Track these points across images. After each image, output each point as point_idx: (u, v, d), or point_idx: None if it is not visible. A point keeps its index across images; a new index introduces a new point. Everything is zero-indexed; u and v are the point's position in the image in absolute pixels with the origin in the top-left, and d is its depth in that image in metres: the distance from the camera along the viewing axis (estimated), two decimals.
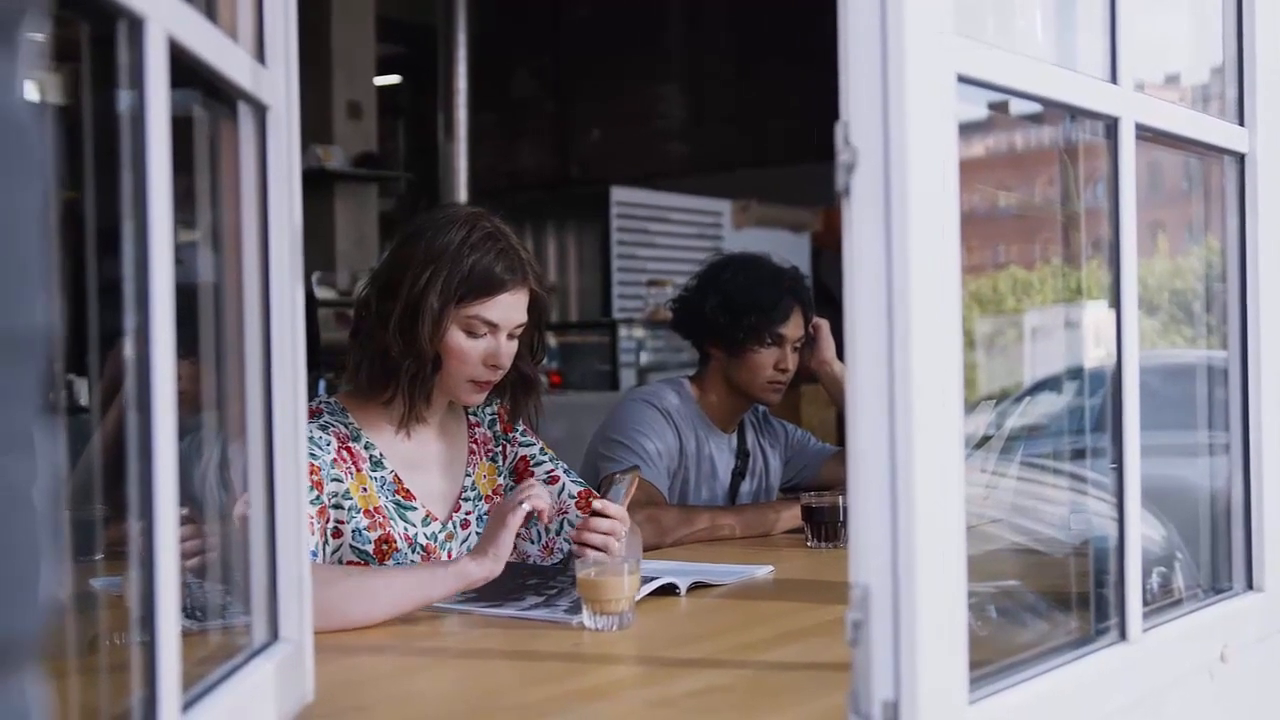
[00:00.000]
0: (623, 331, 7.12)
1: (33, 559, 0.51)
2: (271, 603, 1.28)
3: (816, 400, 5.92)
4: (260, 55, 1.26)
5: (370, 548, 2.02)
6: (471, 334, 2.05)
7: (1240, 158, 1.70)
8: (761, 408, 3.03)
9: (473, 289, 2.02)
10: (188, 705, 1.01)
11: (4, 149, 0.51)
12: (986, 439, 1.78)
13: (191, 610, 1.22)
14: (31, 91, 0.53)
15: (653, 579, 1.96)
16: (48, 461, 0.52)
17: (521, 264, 2.07)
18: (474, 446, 2.23)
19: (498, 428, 2.26)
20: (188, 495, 1.02)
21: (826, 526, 2.51)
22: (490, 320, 2.05)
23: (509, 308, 2.06)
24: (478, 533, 2.16)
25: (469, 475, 2.20)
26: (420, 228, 2.08)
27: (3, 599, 0.49)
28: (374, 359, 2.06)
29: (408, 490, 2.10)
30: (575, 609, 1.81)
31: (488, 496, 2.21)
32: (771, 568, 2.24)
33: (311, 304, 3.88)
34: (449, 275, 2.01)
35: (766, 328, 2.82)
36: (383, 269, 2.10)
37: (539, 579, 2.03)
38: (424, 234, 2.05)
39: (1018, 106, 1.46)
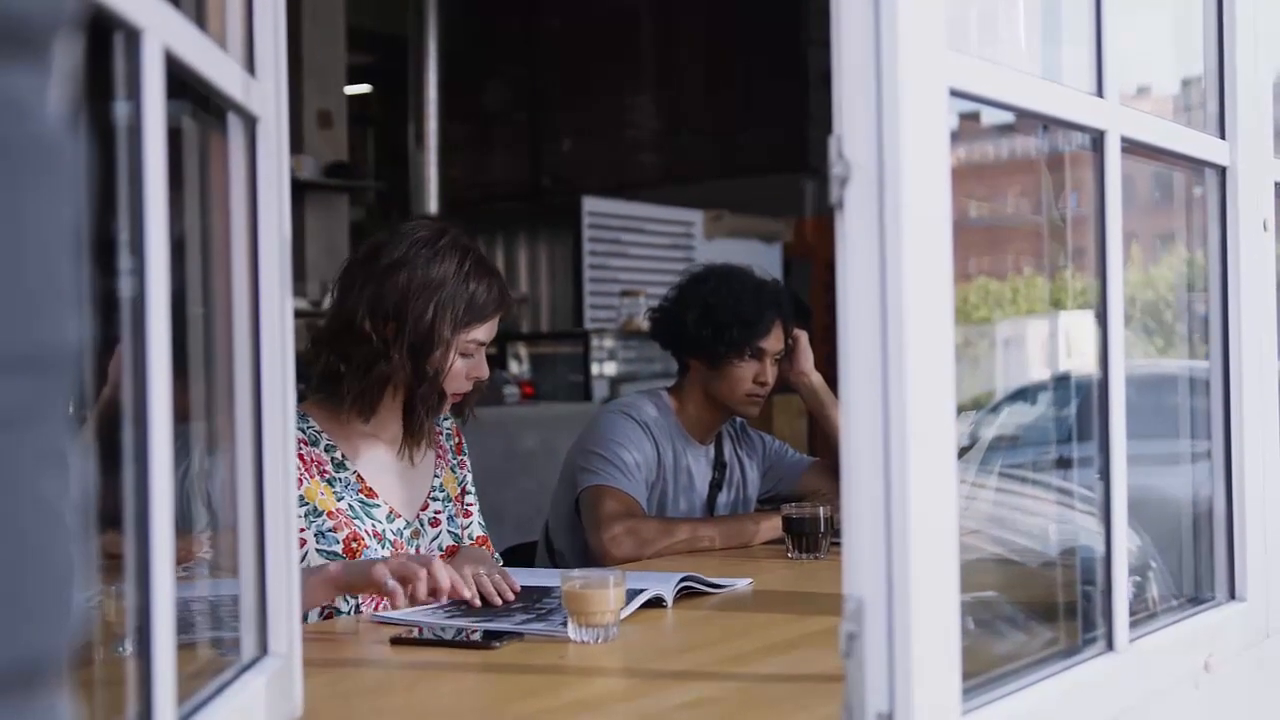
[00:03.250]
0: (595, 342, 7.09)
1: (66, 576, 0.50)
2: (261, 617, 1.27)
3: (789, 410, 5.93)
4: (250, 66, 1.25)
5: (339, 548, 2.08)
6: (465, 355, 2.16)
7: (1221, 170, 1.71)
8: (739, 419, 3.03)
9: (475, 316, 2.15)
10: None
11: (40, 168, 0.50)
12: (964, 450, 1.79)
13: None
14: (63, 108, 0.53)
15: (640, 591, 1.96)
16: (77, 478, 0.52)
17: (505, 285, 2.21)
18: (440, 451, 2.32)
19: (452, 443, 2.36)
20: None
21: (807, 538, 2.52)
22: (482, 341, 2.18)
23: (494, 326, 2.20)
24: (449, 531, 2.26)
25: (437, 476, 2.28)
26: (407, 257, 2.12)
27: (39, 616, 0.49)
28: (374, 384, 2.11)
29: (370, 489, 2.16)
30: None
31: (455, 498, 2.31)
32: (750, 580, 2.24)
33: None
34: (455, 306, 2.12)
35: (748, 341, 2.81)
36: (371, 294, 2.11)
37: (525, 599, 2.01)
38: (413, 263, 2.11)
39: (989, 117, 1.46)
